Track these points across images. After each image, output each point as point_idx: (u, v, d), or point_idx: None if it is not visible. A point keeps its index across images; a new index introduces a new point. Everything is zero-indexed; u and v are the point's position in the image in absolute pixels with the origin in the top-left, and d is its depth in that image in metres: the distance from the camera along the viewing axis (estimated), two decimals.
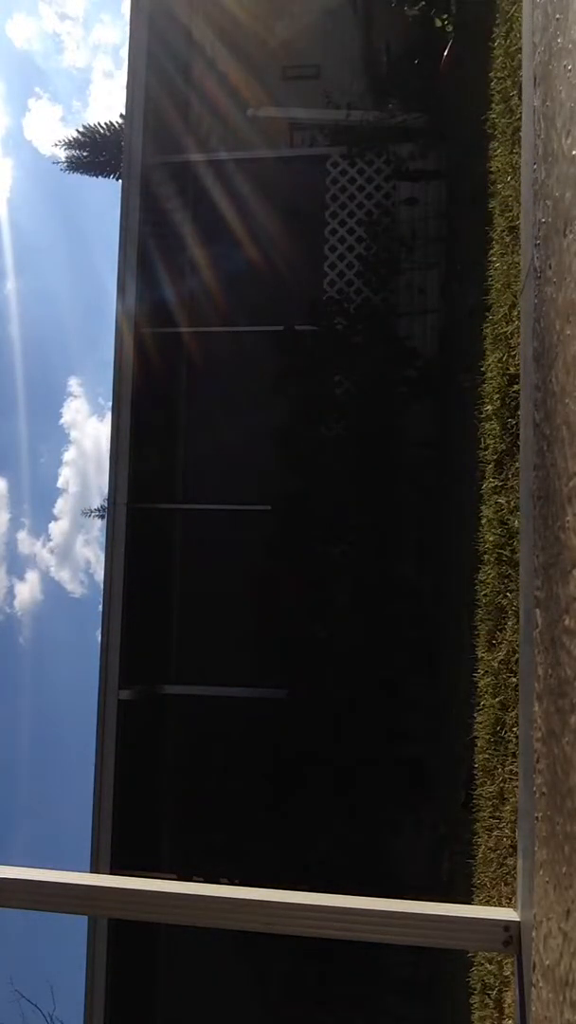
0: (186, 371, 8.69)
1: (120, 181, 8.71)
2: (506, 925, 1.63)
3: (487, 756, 4.33)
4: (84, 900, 1.80)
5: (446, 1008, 6.00)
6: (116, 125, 19.87)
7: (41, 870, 1.80)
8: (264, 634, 7.76)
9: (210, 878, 7.17)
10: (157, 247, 8.46)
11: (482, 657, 4.58)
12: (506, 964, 3.66)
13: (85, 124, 27.06)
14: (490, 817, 4.23)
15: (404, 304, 8.09)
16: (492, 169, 5.02)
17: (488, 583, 4.50)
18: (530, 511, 1.76)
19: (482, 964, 4.16)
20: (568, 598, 1.48)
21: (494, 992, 3.90)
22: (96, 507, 25.07)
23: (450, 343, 7.50)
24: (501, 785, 4.05)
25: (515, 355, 4.14)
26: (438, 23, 7.41)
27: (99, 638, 8.14)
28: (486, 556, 4.56)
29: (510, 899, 3.68)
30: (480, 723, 4.55)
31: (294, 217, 8.42)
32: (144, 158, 8.45)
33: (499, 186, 4.78)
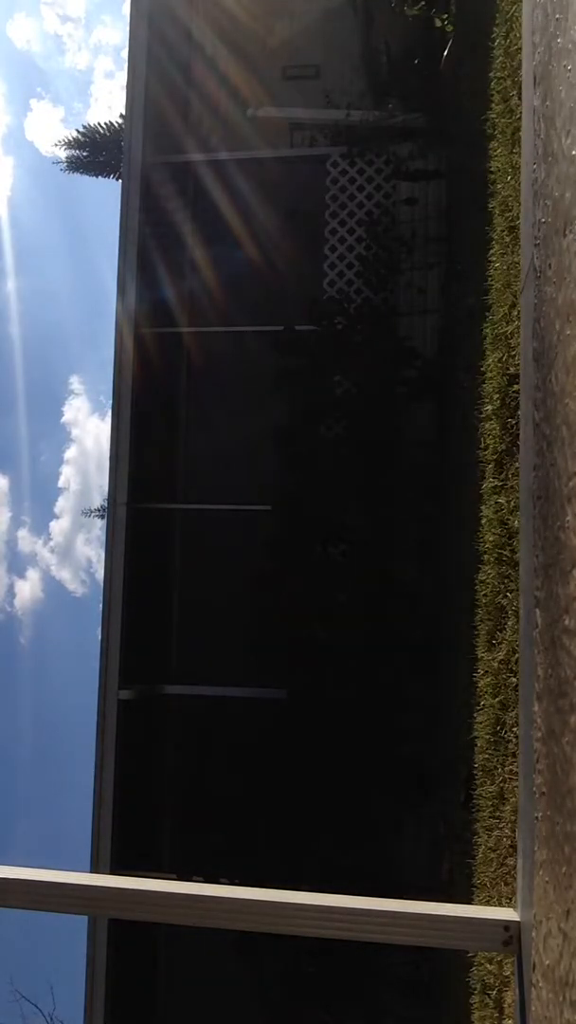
0: (186, 371, 8.70)
1: (120, 181, 8.71)
2: (506, 925, 1.63)
3: (487, 756, 4.33)
4: (84, 900, 1.80)
5: (446, 1008, 6.00)
6: (116, 125, 19.82)
7: (41, 870, 1.80)
8: (264, 634, 7.76)
9: (210, 878, 7.17)
10: (157, 247, 8.47)
11: (482, 657, 4.58)
12: (506, 964, 3.65)
13: (85, 124, 27.03)
14: (490, 817, 4.23)
15: (404, 304, 8.09)
16: (492, 169, 5.02)
17: (488, 583, 4.50)
18: (530, 511, 1.76)
19: (482, 964, 4.16)
20: (568, 598, 1.48)
21: (494, 992, 3.90)
22: (96, 507, 25.03)
23: (450, 343, 7.49)
24: (501, 785, 4.05)
25: (515, 355, 4.14)
26: (438, 23, 7.42)
27: (99, 637, 8.15)
28: (486, 556, 4.56)
29: (510, 899, 3.68)
30: (480, 723, 4.55)
31: (294, 217, 8.42)
32: (144, 158, 8.45)
33: (499, 186, 4.78)
